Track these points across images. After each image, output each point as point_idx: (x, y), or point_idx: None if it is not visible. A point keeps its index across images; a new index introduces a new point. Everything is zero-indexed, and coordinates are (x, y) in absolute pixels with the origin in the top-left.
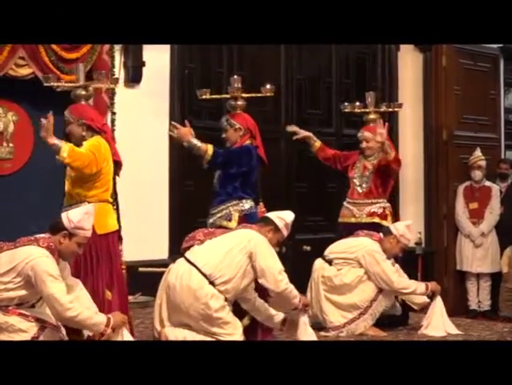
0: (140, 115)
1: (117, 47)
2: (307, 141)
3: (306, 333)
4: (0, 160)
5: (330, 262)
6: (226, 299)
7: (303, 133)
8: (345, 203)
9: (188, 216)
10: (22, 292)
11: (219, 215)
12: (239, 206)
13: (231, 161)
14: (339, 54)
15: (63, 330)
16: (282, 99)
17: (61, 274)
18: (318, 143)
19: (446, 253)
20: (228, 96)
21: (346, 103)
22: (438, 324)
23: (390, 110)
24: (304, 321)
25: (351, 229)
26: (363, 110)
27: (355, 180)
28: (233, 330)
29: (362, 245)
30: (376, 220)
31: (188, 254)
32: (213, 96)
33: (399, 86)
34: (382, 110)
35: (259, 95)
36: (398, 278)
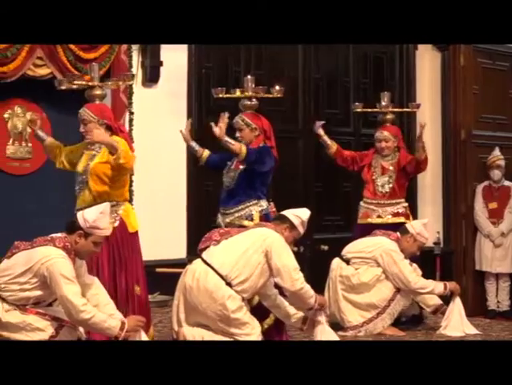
0: (158, 115)
1: (135, 47)
2: (325, 144)
3: (324, 332)
4: (19, 160)
5: (347, 262)
6: (243, 299)
7: (324, 137)
8: (364, 204)
9: (207, 216)
10: (39, 292)
11: (238, 214)
12: (258, 206)
13: (260, 160)
14: (357, 54)
15: (81, 329)
16: (300, 98)
17: (78, 272)
18: (335, 147)
19: (465, 253)
20: (245, 95)
21: (357, 103)
22: (457, 324)
23: (406, 110)
24: (322, 320)
25: (373, 230)
26: (374, 110)
27: (377, 181)
28: (251, 331)
29: (379, 245)
30: (402, 219)
31: (204, 255)
32: (228, 95)
33: (417, 85)
34: (395, 110)
35: (269, 96)
36: (415, 278)
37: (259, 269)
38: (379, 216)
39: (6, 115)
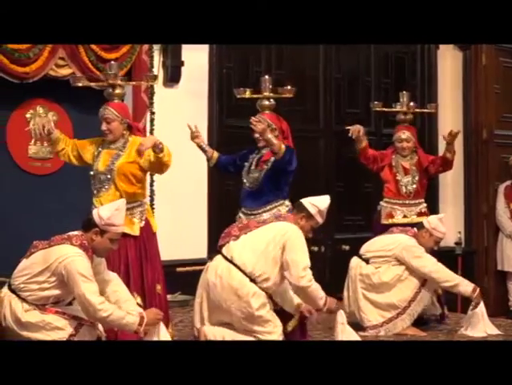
0: (179, 115)
1: (156, 47)
2: (358, 138)
3: (344, 332)
4: (40, 160)
5: (367, 261)
6: (267, 296)
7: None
8: (387, 204)
9: (228, 216)
10: (57, 291)
11: (267, 215)
12: (285, 206)
13: (291, 160)
14: (378, 53)
15: (100, 327)
16: (321, 98)
17: (97, 269)
18: (365, 143)
19: (486, 253)
20: (268, 96)
21: (376, 102)
22: (478, 324)
23: (424, 111)
24: (342, 320)
25: (391, 228)
26: (392, 110)
27: (401, 181)
28: (273, 329)
29: (398, 242)
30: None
31: (225, 251)
32: (250, 96)
33: (438, 85)
34: (416, 111)
35: (278, 96)
36: (440, 269)
37: (280, 264)
38: (404, 216)
39: (28, 115)
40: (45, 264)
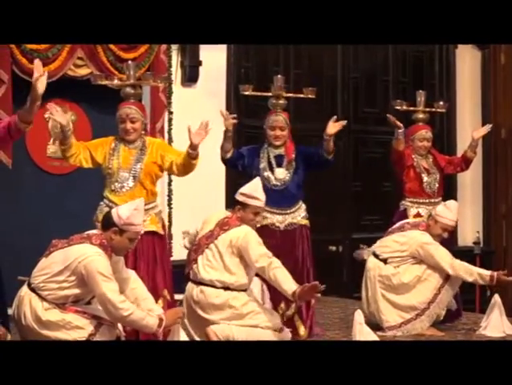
0: (197, 115)
1: (174, 47)
2: (398, 137)
3: (362, 332)
4: (59, 160)
5: (384, 261)
6: (246, 291)
7: (402, 130)
8: (412, 204)
9: None
10: (77, 290)
11: (297, 214)
12: (304, 204)
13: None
14: (396, 52)
15: (120, 327)
16: (339, 97)
17: (116, 268)
18: (403, 144)
19: (505, 253)
20: (278, 94)
21: (398, 100)
22: (497, 324)
23: (439, 110)
24: (360, 320)
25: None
26: (410, 108)
27: (427, 180)
28: (269, 317)
29: (413, 240)
30: None
31: (193, 277)
32: (255, 93)
33: (456, 84)
34: (432, 110)
35: (301, 96)
36: (456, 263)
37: (244, 266)
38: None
39: (46, 115)
40: (64, 263)
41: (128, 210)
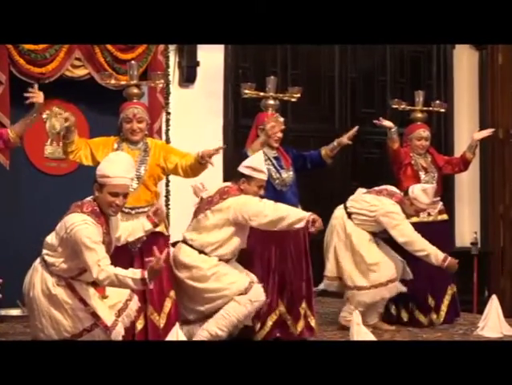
0: (195, 115)
1: (172, 47)
2: (392, 137)
3: (359, 333)
4: (56, 160)
5: (349, 215)
6: (220, 259)
7: (394, 130)
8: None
9: None
10: (75, 261)
11: None
12: None
13: None
14: (394, 53)
15: (120, 328)
16: (337, 98)
17: (113, 231)
18: (398, 144)
19: (503, 254)
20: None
21: (395, 100)
22: (494, 325)
23: (437, 110)
24: (357, 321)
25: (425, 228)
26: (410, 108)
27: (425, 180)
28: (235, 279)
29: (381, 206)
30: (446, 216)
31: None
32: (256, 93)
33: (454, 84)
34: (430, 109)
35: (285, 96)
36: (415, 239)
37: (231, 236)
38: (429, 215)
39: (44, 116)
40: (59, 235)
41: (101, 164)
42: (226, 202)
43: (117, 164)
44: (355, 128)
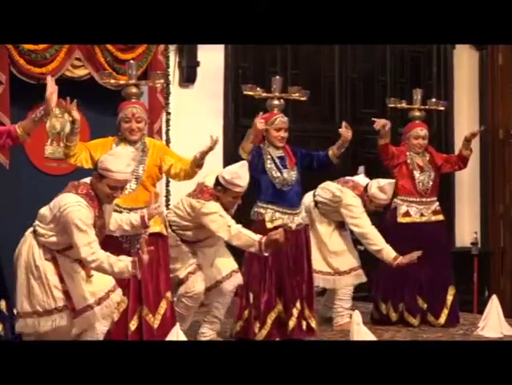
0: (195, 115)
1: (172, 48)
2: (382, 131)
3: (359, 332)
4: (57, 160)
5: (316, 203)
6: (183, 240)
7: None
8: (403, 202)
9: (241, 217)
10: (63, 237)
11: (303, 214)
12: None
13: None
14: (394, 53)
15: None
16: (337, 98)
17: (107, 216)
18: (388, 138)
19: (503, 254)
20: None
21: (392, 98)
22: (495, 325)
23: (436, 108)
24: (357, 321)
25: (417, 229)
26: (407, 106)
27: (418, 179)
28: (181, 265)
29: (343, 198)
30: (441, 217)
31: None
32: (258, 93)
33: (454, 84)
34: (427, 107)
35: (288, 96)
36: (371, 233)
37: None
38: (422, 215)
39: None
40: (53, 212)
41: (106, 155)
42: (196, 202)
43: (121, 160)
44: (345, 124)
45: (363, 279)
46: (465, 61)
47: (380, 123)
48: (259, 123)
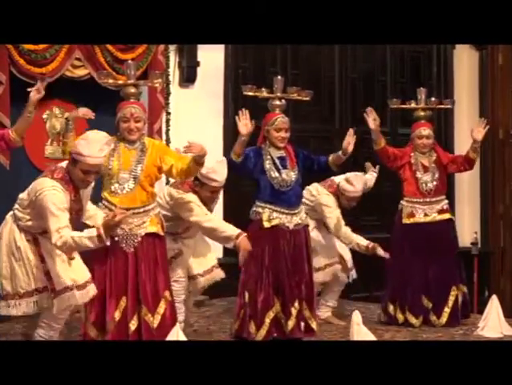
0: (195, 115)
1: (172, 48)
2: (375, 135)
3: (360, 333)
4: (57, 160)
5: None
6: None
7: (377, 132)
8: (408, 203)
9: (243, 216)
10: (39, 221)
11: (303, 213)
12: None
13: None
14: (394, 53)
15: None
16: (337, 98)
17: (84, 199)
18: (383, 144)
19: (503, 254)
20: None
21: (394, 99)
22: (495, 325)
23: (441, 107)
24: (357, 321)
25: (421, 229)
26: (410, 106)
27: (421, 179)
28: (178, 278)
29: (318, 197)
30: (448, 216)
31: None
32: (258, 94)
33: (454, 84)
34: (432, 106)
35: (291, 96)
36: (343, 230)
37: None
38: (425, 215)
39: (44, 116)
40: (29, 196)
41: (78, 140)
42: (175, 192)
43: (93, 144)
44: (350, 132)
45: (343, 276)
46: (465, 61)
47: (373, 115)
48: (242, 127)
